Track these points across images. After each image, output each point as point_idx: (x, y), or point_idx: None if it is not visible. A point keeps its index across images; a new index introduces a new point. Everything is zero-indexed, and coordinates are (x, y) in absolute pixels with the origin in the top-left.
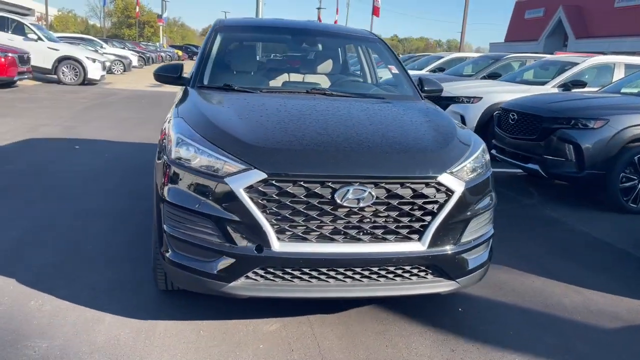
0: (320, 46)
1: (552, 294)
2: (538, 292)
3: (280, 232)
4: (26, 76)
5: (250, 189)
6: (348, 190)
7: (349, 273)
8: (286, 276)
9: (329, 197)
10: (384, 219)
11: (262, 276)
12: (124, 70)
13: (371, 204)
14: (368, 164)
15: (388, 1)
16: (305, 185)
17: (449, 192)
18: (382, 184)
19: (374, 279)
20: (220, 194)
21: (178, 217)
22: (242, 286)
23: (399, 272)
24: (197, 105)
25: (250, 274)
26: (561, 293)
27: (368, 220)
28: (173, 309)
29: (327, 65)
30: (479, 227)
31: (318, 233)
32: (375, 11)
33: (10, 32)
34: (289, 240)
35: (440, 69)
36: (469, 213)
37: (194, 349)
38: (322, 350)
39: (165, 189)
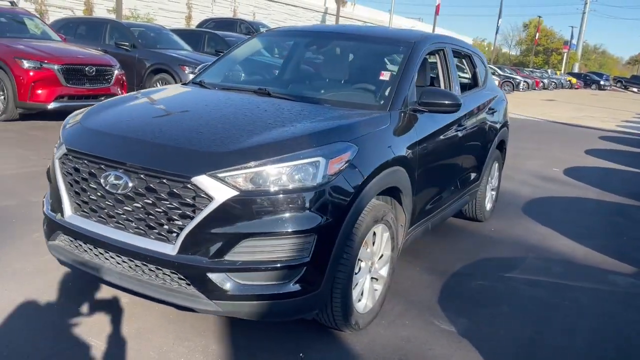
0: (340, 51)
1: None
2: None
3: (75, 204)
4: None
5: (60, 160)
6: (109, 174)
7: (119, 260)
8: (79, 248)
9: (99, 179)
10: (143, 213)
11: (68, 243)
12: None
13: (131, 193)
14: (139, 153)
15: None
16: (88, 164)
17: (209, 198)
18: (141, 175)
19: (140, 273)
20: (53, 162)
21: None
22: (54, 247)
23: (160, 273)
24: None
25: (63, 238)
26: None
27: (131, 210)
28: None
29: (334, 70)
30: (268, 250)
31: (97, 213)
32: None
33: None
34: (80, 214)
35: None
36: (239, 228)
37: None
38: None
39: None
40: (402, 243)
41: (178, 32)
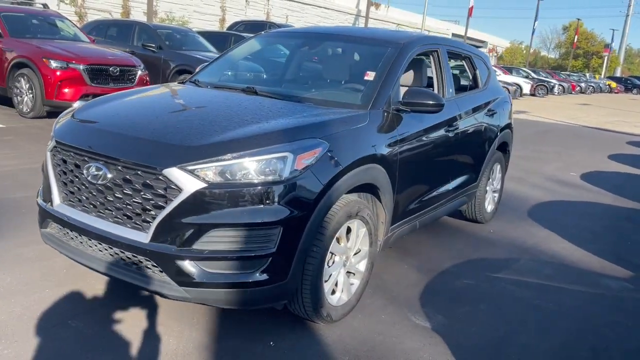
0: (331, 51)
1: None
2: None
3: (63, 194)
4: None
5: (51, 152)
6: (91, 165)
7: (100, 247)
8: (66, 235)
9: (82, 170)
10: (121, 202)
11: (57, 230)
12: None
13: (110, 184)
14: (118, 146)
15: None
16: (74, 155)
17: (179, 189)
18: (119, 167)
19: (118, 260)
20: (46, 155)
21: None
22: (46, 234)
23: (136, 260)
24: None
25: (53, 226)
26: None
27: (110, 200)
28: None
29: (323, 70)
30: (235, 240)
31: (82, 203)
32: None
33: None
34: (67, 203)
35: None
36: (207, 218)
37: None
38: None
39: None
40: (383, 240)
41: (205, 34)
